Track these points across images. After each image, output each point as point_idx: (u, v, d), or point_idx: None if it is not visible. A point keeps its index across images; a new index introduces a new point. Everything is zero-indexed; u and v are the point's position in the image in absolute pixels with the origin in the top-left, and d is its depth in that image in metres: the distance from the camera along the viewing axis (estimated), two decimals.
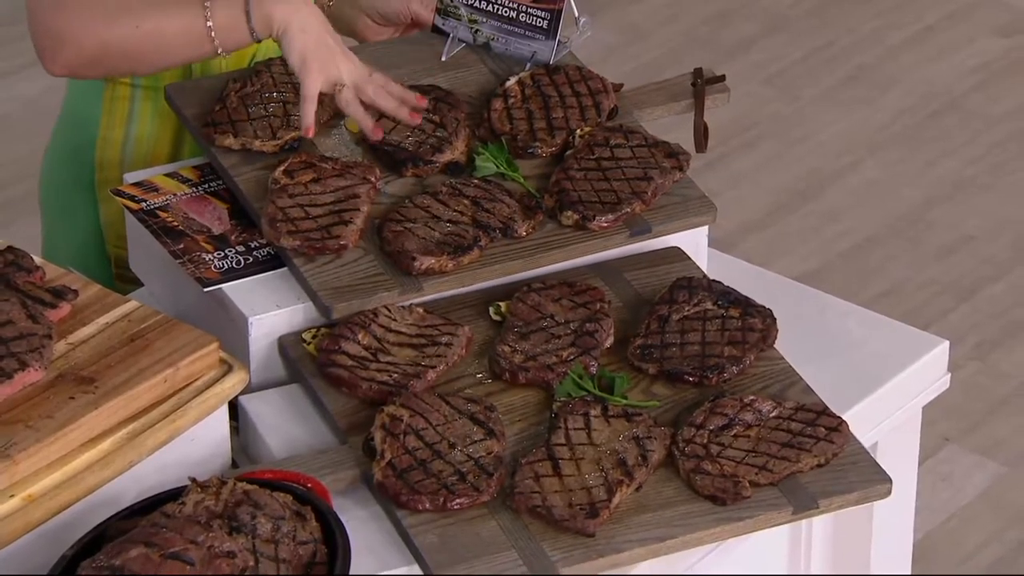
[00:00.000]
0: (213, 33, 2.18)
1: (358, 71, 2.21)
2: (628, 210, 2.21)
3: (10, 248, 2.07)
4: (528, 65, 2.39)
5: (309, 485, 1.92)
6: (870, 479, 1.99)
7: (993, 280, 3.80)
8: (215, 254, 2.16)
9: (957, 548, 3.23)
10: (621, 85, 2.39)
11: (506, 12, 2.39)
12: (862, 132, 4.22)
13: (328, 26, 2.21)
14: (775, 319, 2.15)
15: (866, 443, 2.09)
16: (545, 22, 2.38)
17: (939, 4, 4.58)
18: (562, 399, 2.05)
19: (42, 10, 2.20)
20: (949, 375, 2.25)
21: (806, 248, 3.92)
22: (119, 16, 2.18)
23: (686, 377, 2.08)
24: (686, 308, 2.15)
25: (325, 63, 2.18)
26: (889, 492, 2.00)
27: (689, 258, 2.24)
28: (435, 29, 2.43)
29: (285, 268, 2.16)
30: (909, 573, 2.34)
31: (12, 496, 1.84)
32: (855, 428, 2.05)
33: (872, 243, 3.91)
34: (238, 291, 2.13)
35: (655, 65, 4.38)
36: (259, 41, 2.20)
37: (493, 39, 2.41)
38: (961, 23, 4.52)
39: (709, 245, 2.30)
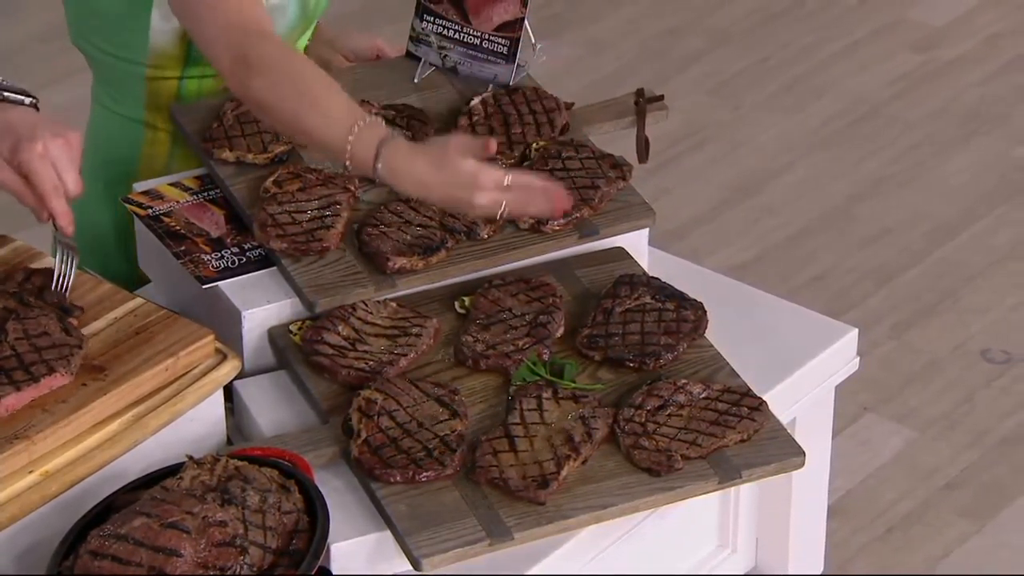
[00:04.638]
0: (348, 163, 2.02)
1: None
2: (578, 215, 2.21)
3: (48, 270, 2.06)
4: (490, 86, 2.38)
5: (293, 461, 1.91)
6: (787, 452, 1.99)
7: (908, 267, 3.79)
8: (213, 255, 2.16)
9: (873, 504, 3.23)
10: (572, 104, 2.38)
11: (471, 39, 2.38)
12: (796, 135, 4.21)
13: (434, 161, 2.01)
14: (706, 311, 2.15)
15: (785, 420, 2.09)
16: (505, 48, 2.37)
17: (864, 23, 4.57)
18: (518, 383, 2.05)
19: (227, 45, 2.05)
20: (858, 358, 2.24)
21: (746, 239, 3.91)
22: (288, 99, 2.03)
23: (627, 363, 2.08)
24: (628, 302, 2.15)
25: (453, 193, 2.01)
26: (803, 464, 1.99)
27: (631, 257, 2.24)
28: (408, 55, 2.42)
29: (275, 267, 2.15)
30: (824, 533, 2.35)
31: (31, 472, 1.84)
32: (775, 407, 2.05)
33: (804, 234, 3.91)
34: (233, 288, 2.13)
35: (612, 77, 4.37)
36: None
37: (460, 63, 2.40)
38: (883, 40, 4.51)
39: (660, 238, 2.30)
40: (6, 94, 2.04)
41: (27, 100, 2.05)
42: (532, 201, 2.01)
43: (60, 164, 2.01)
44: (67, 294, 2.00)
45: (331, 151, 2.04)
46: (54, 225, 2.05)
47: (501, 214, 2.01)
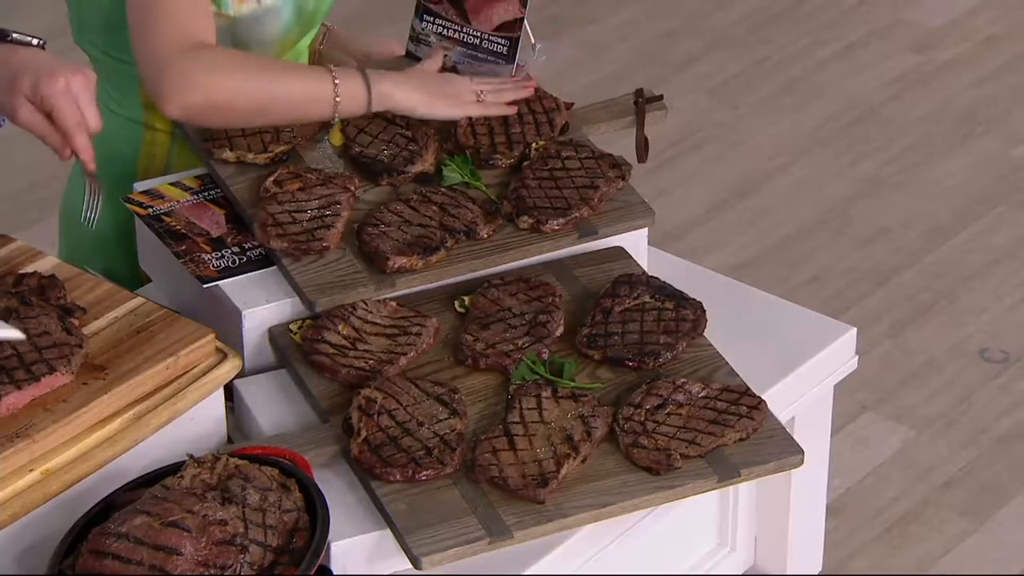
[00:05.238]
0: (337, 100, 2.17)
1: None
2: (577, 215, 2.20)
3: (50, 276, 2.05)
4: None
5: (294, 460, 1.91)
6: (785, 451, 1.99)
7: (905, 267, 3.79)
8: (213, 254, 2.15)
9: (872, 502, 3.23)
10: (572, 104, 2.37)
11: (470, 39, 2.37)
12: (793, 137, 4.21)
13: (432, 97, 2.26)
14: (704, 310, 2.14)
15: (784, 419, 2.08)
16: (505, 48, 2.37)
17: (861, 24, 4.57)
18: (517, 382, 2.04)
19: (171, 56, 2.12)
20: (857, 357, 2.24)
21: (743, 239, 3.91)
22: (254, 73, 2.14)
23: (626, 362, 2.07)
24: (627, 301, 2.14)
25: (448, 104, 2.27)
26: (801, 462, 1.99)
27: (630, 256, 2.23)
28: (408, 55, 2.41)
29: (275, 267, 2.15)
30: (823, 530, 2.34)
31: (32, 471, 1.84)
32: (773, 406, 2.05)
33: (801, 235, 3.91)
34: (233, 287, 2.12)
35: (611, 78, 4.36)
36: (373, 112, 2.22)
37: (460, 63, 2.39)
38: (880, 41, 4.51)
39: (659, 238, 2.29)
40: (14, 35, 2.05)
41: (34, 41, 2.06)
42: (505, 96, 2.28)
43: (82, 100, 2.02)
44: (94, 225, 2.06)
45: (318, 104, 2.17)
46: (76, 160, 2.06)
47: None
